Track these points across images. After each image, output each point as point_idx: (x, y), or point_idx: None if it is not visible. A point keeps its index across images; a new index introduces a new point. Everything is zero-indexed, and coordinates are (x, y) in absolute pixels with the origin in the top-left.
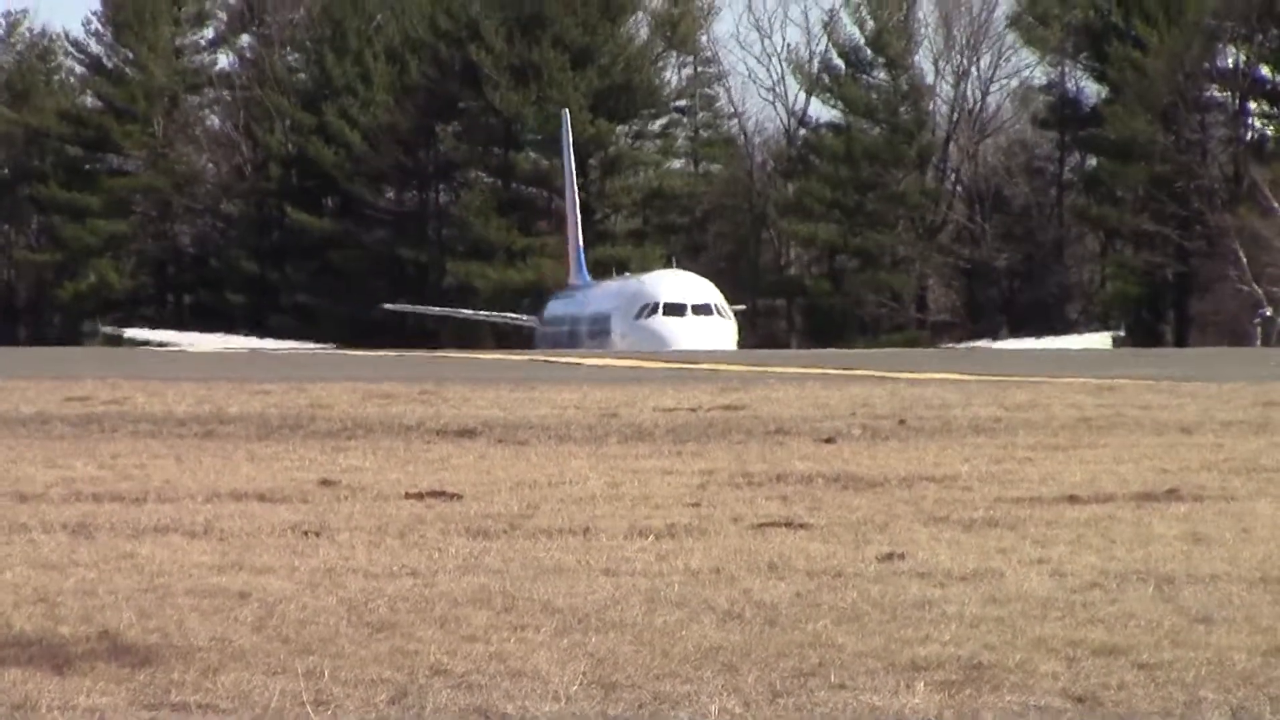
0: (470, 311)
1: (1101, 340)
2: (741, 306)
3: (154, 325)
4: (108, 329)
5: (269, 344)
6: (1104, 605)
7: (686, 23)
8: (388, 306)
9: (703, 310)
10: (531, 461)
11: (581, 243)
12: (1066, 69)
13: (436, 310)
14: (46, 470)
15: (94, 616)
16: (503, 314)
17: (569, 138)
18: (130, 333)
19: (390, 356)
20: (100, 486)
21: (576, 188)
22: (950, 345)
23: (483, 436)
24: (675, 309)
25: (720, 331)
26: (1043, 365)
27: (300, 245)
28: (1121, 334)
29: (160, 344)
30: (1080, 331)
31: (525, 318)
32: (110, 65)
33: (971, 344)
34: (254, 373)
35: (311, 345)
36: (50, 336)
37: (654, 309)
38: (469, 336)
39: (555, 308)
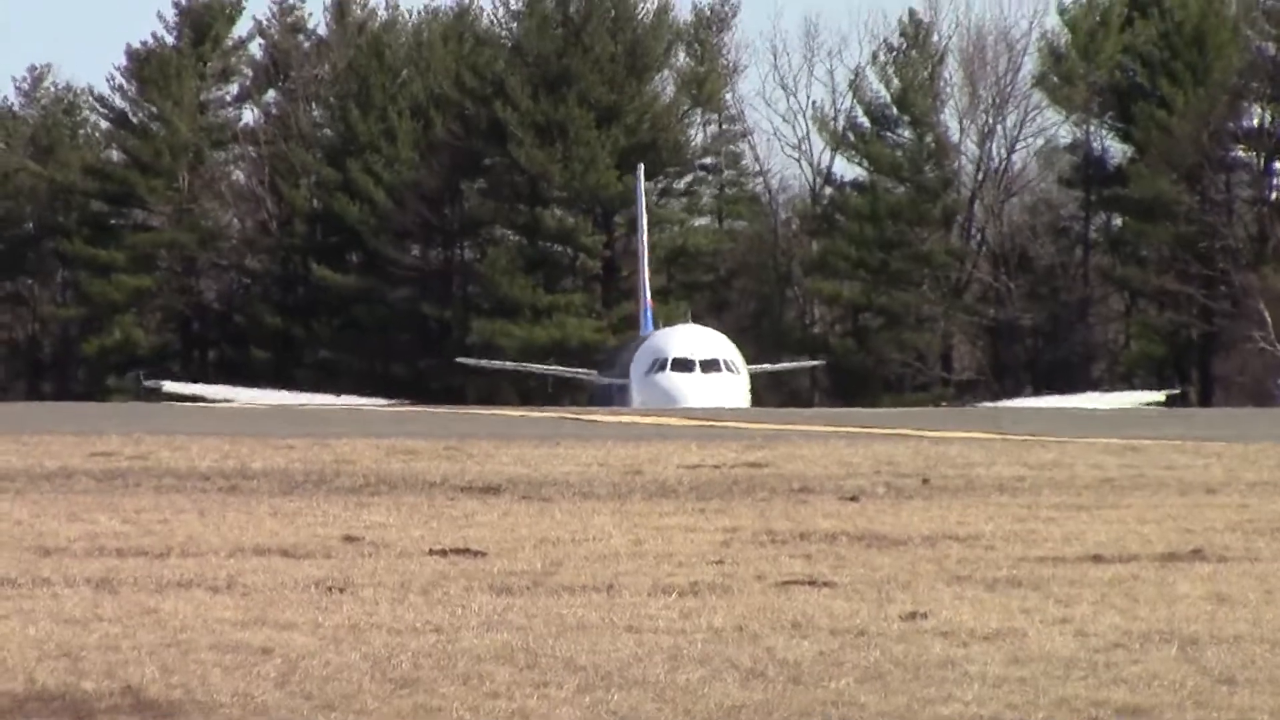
0: (539, 366)
1: (1154, 397)
2: (768, 366)
3: (179, 380)
4: (150, 383)
5: (328, 399)
6: (1127, 665)
7: (712, 81)
8: (462, 360)
9: (711, 366)
10: (555, 518)
11: (649, 297)
12: (1092, 128)
13: (508, 365)
14: (70, 525)
15: (117, 671)
16: (572, 369)
17: (641, 192)
18: (172, 386)
19: (412, 412)
20: (124, 541)
21: (646, 238)
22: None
23: (507, 493)
24: (683, 364)
25: (730, 388)
26: (1067, 425)
27: (325, 301)
28: (1176, 391)
29: (212, 399)
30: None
31: (586, 372)
32: (135, 120)
33: (1022, 401)
34: (277, 428)
35: (381, 401)
36: (75, 392)
37: (662, 365)
38: (494, 395)
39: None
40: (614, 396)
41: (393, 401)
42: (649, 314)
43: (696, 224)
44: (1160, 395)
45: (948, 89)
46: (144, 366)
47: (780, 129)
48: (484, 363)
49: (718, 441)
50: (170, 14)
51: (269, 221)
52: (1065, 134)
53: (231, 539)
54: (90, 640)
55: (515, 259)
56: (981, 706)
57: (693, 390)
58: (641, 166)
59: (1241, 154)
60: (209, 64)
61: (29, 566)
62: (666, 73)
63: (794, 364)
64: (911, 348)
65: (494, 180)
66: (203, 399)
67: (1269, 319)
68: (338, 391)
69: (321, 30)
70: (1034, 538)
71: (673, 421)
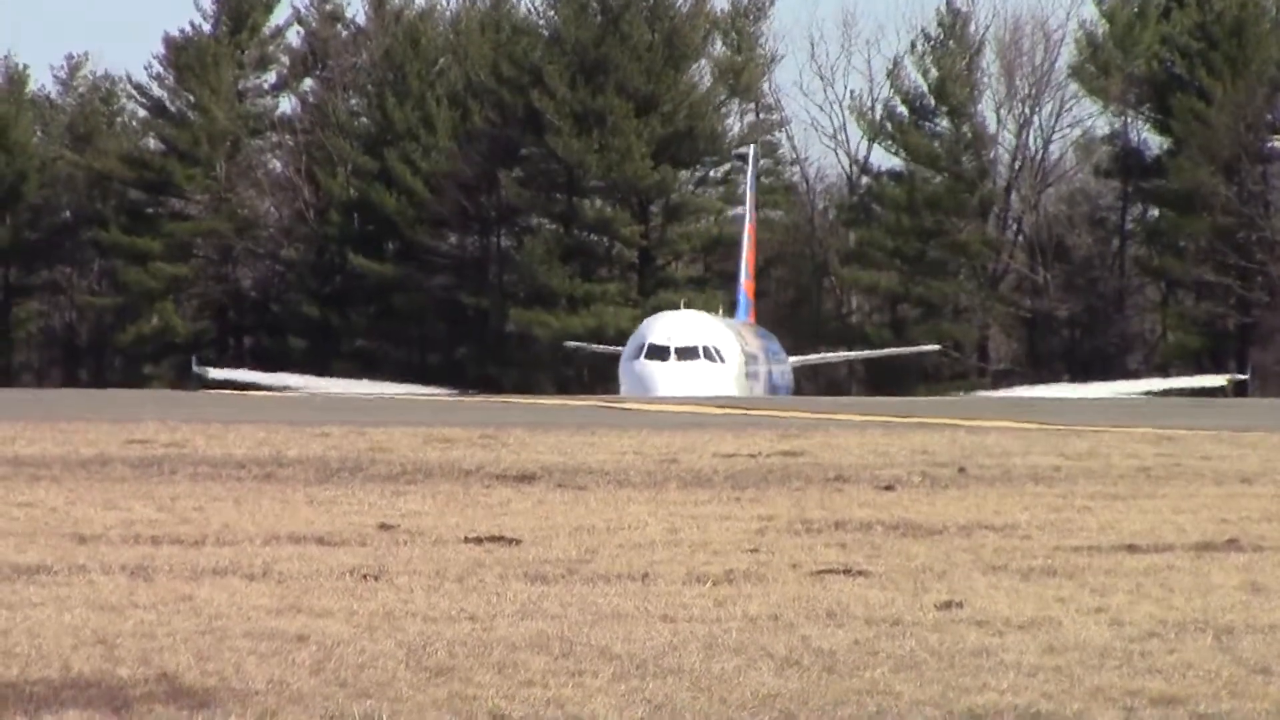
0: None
1: (1215, 381)
2: (811, 357)
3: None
4: (202, 370)
5: (394, 388)
6: (1162, 655)
7: (749, 70)
8: (570, 345)
9: (689, 354)
10: (590, 507)
11: (744, 280)
12: (1129, 119)
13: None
14: (106, 512)
15: (152, 659)
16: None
17: (754, 171)
18: (224, 373)
19: (448, 400)
20: (159, 529)
21: (751, 222)
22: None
23: (542, 481)
24: (658, 352)
25: (707, 377)
26: (1102, 415)
27: (361, 290)
28: (1240, 377)
29: (275, 387)
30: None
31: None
32: (173, 109)
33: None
34: (313, 416)
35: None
36: (111, 379)
37: (639, 352)
38: (531, 384)
39: None
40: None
41: (456, 390)
42: (743, 298)
43: (734, 213)
44: (1221, 380)
45: (985, 79)
46: (180, 355)
47: (817, 118)
48: (592, 346)
49: (753, 430)
50: (208, 2)
51: (306, 210)
52: (1102, 125)
53: (267, 527)
54: (126, 627)
55: (552, 248)
56: (1016, 695)
57: (665, 379)
58: (753, 147)
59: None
60: (246, 52)
61: (65, 554)
62: (704, 62)
63: (840, 354)
64: (948, 338)
65: (531, 169)
66: (258, 386)
67: None
68: (378, 379)
69: (359, 19)
70: (1069, 527)
71: (710, 410)
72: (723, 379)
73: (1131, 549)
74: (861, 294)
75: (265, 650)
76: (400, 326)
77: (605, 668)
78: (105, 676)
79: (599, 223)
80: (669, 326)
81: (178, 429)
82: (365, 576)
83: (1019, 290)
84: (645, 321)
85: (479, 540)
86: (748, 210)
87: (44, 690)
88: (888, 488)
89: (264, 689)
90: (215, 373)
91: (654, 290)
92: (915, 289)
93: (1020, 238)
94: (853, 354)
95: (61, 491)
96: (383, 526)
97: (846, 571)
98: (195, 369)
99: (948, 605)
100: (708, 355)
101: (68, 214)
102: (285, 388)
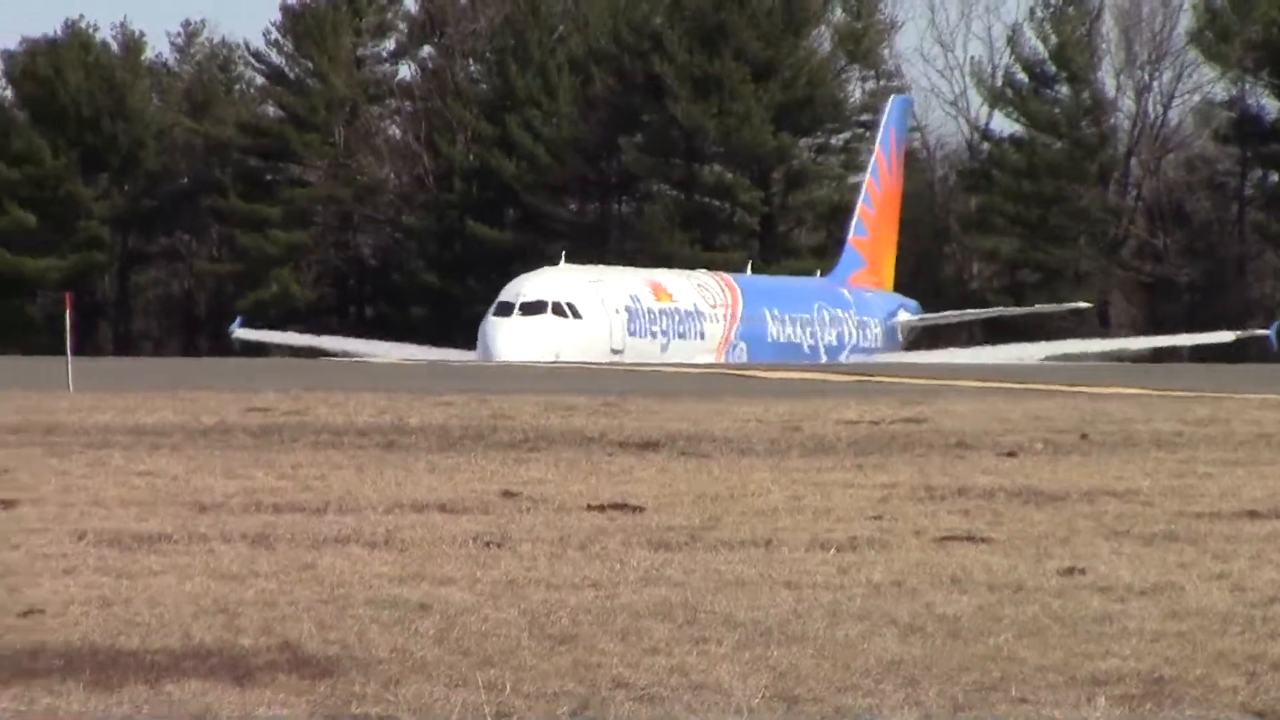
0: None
1: None
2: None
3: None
4: (242, 332)
5: (456, 354)
6: None
7: (869, 36)
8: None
9: (534, 309)
10: (713, 474)
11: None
12: (1247, 85)
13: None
14: (227, 481)
15: (274, 627)
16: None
17: (902, 124)
18: (258, 335)
19: (569, 367)
20: (280, 497)
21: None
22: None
23: (665, 449)
24: (505, 309)
25: (554, 334)
26: (1224, 381)
27: (481, 257)
28: None
29: (312, 351)
30: None
31: None
32: (291, 76)
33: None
34: (435, 383)
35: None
36: (230, 348)
37: (492, 310)
38: None
39: None
40: None
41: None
42: (847, 255)
43: (854, 180)
44: None
45: (1104, 45)
46: (300, 322)
47: (938, 85)
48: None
49: (876, 397)
50: None
51: (425, 177)
52: (1221, 90)
53: (389, 495)
54: (247, 596)
55: (672, 214)
56: (1139, 661)
57: (505, 337)
58: (894, 98)
59: None
60: (365, 19)
61: (186, 522)
62: (823, 28)
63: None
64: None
65: (651, 135)
66: (293, 349)
67: None
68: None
69: None
70: (1191, 493)
71: (831, 377)
72: (575, 337)
73: (1253, 515)
74: (982, 260)
75: (388, 619)
76: None
77: (729, 635)
78: (226, 645)
79: (719, 189)
80: (525, 282)
81: (299, 397)
82: (488, 544)
83: (1139, 256)
84: None
85: (602, 508)
86: (875, 163)
87: (165, 659)
88: (1010, 454)
89: (387, 658)
90: (247, 334)
91: (777, 258)
92: (1035, 255)
93: (1140, 203)
94: (991, 311)
95: (182, 460)
96: (505, 494)
97: (969, 538)
98: (235, 333)
99: (1070, 571)
100: (558, 311)
101: (185, 181)
102: (326, 352)
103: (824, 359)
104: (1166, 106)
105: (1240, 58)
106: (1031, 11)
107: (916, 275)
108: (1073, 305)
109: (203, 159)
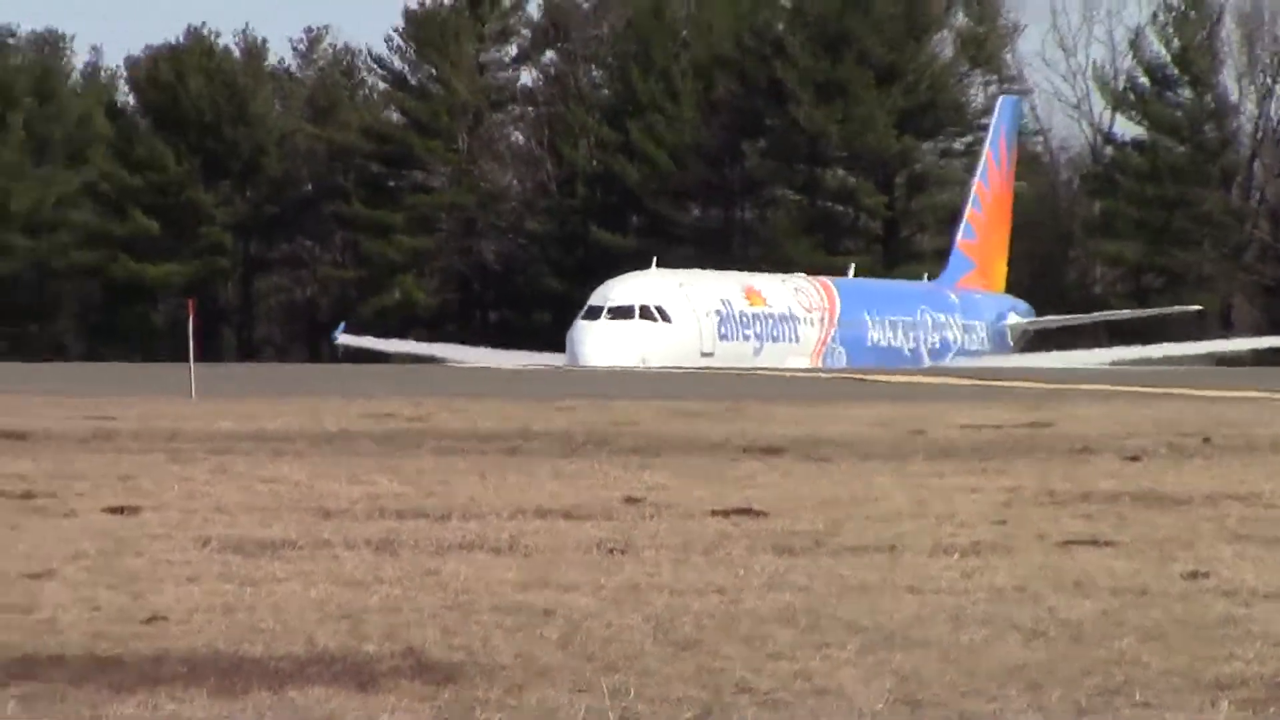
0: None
1: None
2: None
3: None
4: (345, 338)
5: (546, 358)
6: None
7: (992, 41)
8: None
9: (622, 313)
10: (836, 479)
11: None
12: None
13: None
14: (350, 487)
15: (398, 634)
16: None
17: (1012, 125)
18: (364, 341)
19: (695, 372)
20: (404, 503)
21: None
22: None
23: (787, 453)
24: (593, 312)
25: (644, 338)
26: None
27: (604, 263)
28: None
29: (411, 357)
30: None
31: None
32: (414, 81)
33: None
34: (558, 389)
35: None
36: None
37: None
38: None
39: None
40: None
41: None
42: (954, 258)
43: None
44: None
45: (1226, 48)
46: (423, 328)
47: (1060, 89)
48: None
49: (998, 401)
50: None
51: (548, 182)
52: None
53: (512, 501)
54: (371, 602)
55: (796, 219)
56: (1263, 665)
57: (593, 340)
58: (1002, 99)
59: None
60: (487, 25)
61: (309, 529)
62: (945, 32)
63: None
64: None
65: (774, 140)
66: (389, 356)
67: None
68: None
69: None
70: None
71: (953, 381)
72: (663, 341)
73: None
74: (1105, 264)
75: (512, 625)
76: None
77: (852, 640)
78: (350, 652)
79: (842, 193)
80: (614, 286)
81: (422, 403)
82: (611, 550)
83: (1262, 259)
84: None
85: (725, 513)
86: (985, 165)
87: (289, 666)
88: (1133, 458)
89: (511, 663)
90: (348, 339)
91: (900, 262)
92: (1158, 259)
93: (1263, 206)
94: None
95: (305, 466)
96: (629, 500)
97: (1093, 542)
98: (338, 339)
99: (1194, 575)
100: (646, 314)
101: (308, 187)
102: (426, 358)
103: (927, 362)
104: None
105: None
106: (1153, 15)
107: (1040, 279)
108: (1183, 309)
109: (325, 165)
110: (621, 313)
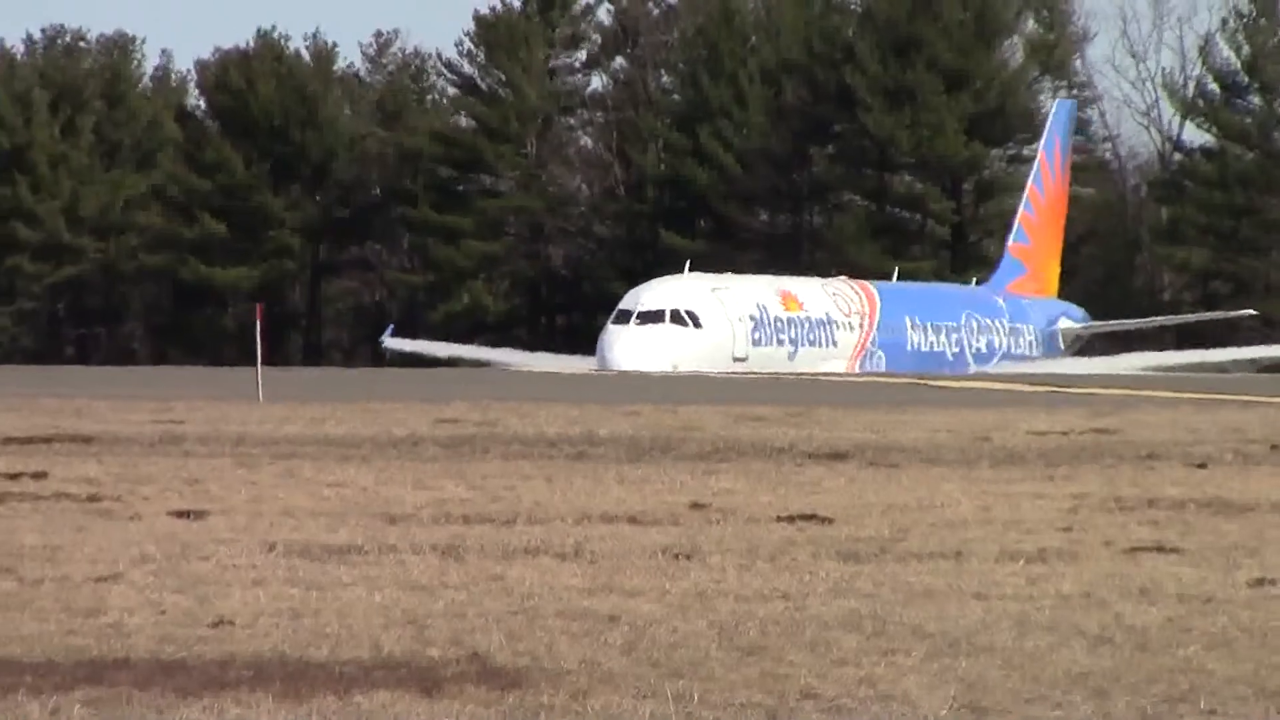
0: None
1: None
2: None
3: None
4: (391, 342)
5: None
6: None
7: (1061, 47)
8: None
9: (652, 318)
10: (902, 485)
11: (1009, 244)
12: None
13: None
14: (416, 492)
15: (463, 639)
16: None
17: (1067, 129)
18: (415, 345)
19: (759, 378)
20: (470, 508)
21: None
22: None
23: (854, 459)
24: (623, 316)
25: (674, 343)
26: None
27: (673, 267)
28: None
29: (461, 360)
30: None
31: None
32: (483, 86)
33: None
34: (624, 394)
35: None
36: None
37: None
38: None
39: None
40: None
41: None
42: (1005, 261)
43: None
44: None
45: None
46: (491, 333)
47: (1129, 95)
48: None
49: (1065, 408)
50: None
51: (617, 187)
52: None
53: (578, 506)
54: (436, 607)
55: (863, 225)
56: None
57: (622, 345)
58: (1057, 102)
59: None
60: (557, 30)
61: (376, 534)
62: (1015, 39)
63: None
64: (1260, 315)
65: (842, 145)
66: (438, 360)
67: None
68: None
69: None
70: None
71: (1021, 387)
72: (694, 346)
73: None
74: (1173, 271)
75: (577, 630)
76: None
77: (917, 646)
78: (415, 657)
79: (910, 199)
80: (644, 290)
81: (489, 408)
82: (677, 556)
83: None
84: None
85: (791, 519)
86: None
87: (354, 670)
88: (1200, 465)
89: (576, 669)
90: (395, 343)
91: (967, 268)
92: (1226, 265)
93: None
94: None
95: (371, 471)
96: (694, 505)
97: (1159, 549)
98: (385, 343)
99: (1260, 582)
100: (676, 319)
101: (377, 191)
102: (476, 361)
103: (971, 367)
104: None
105: None
106: (1224, 22)
107: (1107, 285)
108: (1238, 314)
109: (394, 169)
110: (651, 317)
